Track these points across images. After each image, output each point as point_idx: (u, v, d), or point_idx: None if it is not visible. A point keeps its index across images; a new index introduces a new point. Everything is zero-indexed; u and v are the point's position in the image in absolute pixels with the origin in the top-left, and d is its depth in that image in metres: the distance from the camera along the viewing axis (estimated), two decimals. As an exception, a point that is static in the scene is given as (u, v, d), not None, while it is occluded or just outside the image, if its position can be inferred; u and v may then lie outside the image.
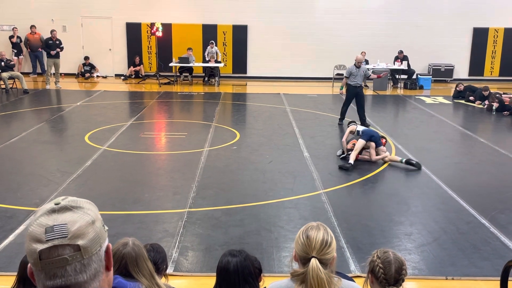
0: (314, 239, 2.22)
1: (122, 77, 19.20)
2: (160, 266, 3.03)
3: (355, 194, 7.61)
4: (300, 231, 2.30)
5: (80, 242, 1.18)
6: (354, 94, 11.69)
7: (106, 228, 1.28)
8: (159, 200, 7.04)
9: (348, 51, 18.71)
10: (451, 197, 7.29)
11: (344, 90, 11.98)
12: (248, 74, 19.74)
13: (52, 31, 17.01)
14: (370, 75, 12.20)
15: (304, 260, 2.22)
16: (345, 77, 11.82)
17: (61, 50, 16.82)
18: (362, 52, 18.06)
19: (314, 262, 2.17)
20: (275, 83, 18.79)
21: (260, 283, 3.25)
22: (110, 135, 10.46)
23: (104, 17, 19.24)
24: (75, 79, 19.03)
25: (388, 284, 2.58)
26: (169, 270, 4.88)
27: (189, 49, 18.27)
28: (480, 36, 19.51)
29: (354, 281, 2.69)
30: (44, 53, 17.56)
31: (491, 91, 14.90)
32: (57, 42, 16.80)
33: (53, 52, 16.46)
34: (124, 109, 14.14)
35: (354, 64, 11.66)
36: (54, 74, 16.69)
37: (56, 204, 1.21)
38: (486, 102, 14.30)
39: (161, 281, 2.88)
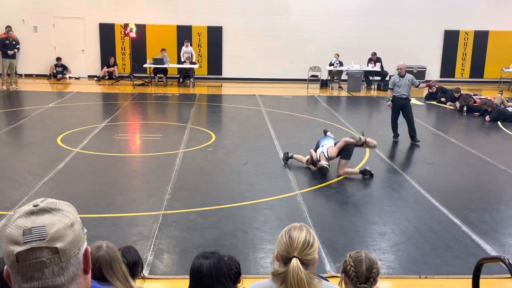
0: (296, 239, 2.23)
1: (96, 78, 18.96)
2: (134, 269, 3.00)
3: (330, 194, 7.66)
4: (283, 231, 2.30)
5: (58, 245, 1.16)
6: (399, 107, 10.49)
7: (85, 230, 1.27)
8: (134, 203, 6.97)
9: (323, 53, 18.88)
10: (423, 197, 7.40)
11: (390, 102, 10.75)
12: (223, 76, 19.71)
13: (8, 31, 16.73)
14: (419, 84, 10.71)
15: (285, 260, 2.23)
16: (390, 88, 10.65)
17: (18, 51, 16.63)
18: (335, 54, 18.25)
19: (295, 262, 2.17)
20: (250, 84, 18.81)
21: (239, 284, 3.24)
22: (83, 137, 10.31)
23: (76, 18, 18.97)
24: (47, 80, 18.71)
25: (359, 282, 2.61)
26: (145, 273, 4.84)
27: (163, 50, 18.14)
28: (451, 38, 19.89)
29: (328, 281, 2.71)
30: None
31: (462, 92, 15.21)
32: (14, 42, 16.53)
33: (10, 52, 16.24)
34: (97, 110, 13.96)
35: (398, 73, 10.55)
36: (9, 75, 16.43)
37: (34, 206, 1.19)
38: (457, 103, 14.57)
39: (136, 284, 2.85)
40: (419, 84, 10.62)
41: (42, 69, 19.13)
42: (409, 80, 10.40)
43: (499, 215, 6.86)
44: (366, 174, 8.12)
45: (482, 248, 5.78)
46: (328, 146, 8.34)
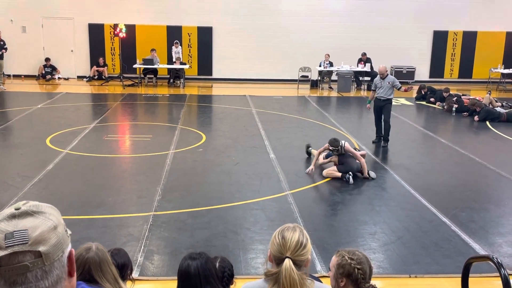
0: (289, 240, 2.23)
1: (86, 79, 18.86)
2: (124, 271, 2.98)
3: (320, 195, 7.68)
4: (276, 232, 2.30)
5: (41, 249, 1.14)
6: (377, 108, 10.48)
7: (69, 232, 1.25)
8: (124, 204, 6.94)
9: (313, 53, 18.92)
10: (413, 197, 7.44)
11: (370, 104, 10.70)
12: (214, 76, 19.69)
13: None
14: (400, 86, 10.38)
15: (278, 260, 2.23)
16: (372, 90, 10.66)
17: (6, 51, 16.50)
18: (325, 55, 18.30)
19: (287, 262, 2.17)
20: (241, 85, 18.80)
21: (232, 286, 3.23)
22: (73, 138, 10.24)
23: (65, 18, 18.85)
24: (35, 81, 18.57)
25: (365, 281, 2.58)
26: (135, 275, 4.81)
27: (153, 50, 18.06)
28: (440, 38, 20.02)
29: (322, 282, 2.70)
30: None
31: (451, 93, 15.31)
32: (2, 42, 16.42)
33: None
34: (87, 111, 13.88)
35: (379, 76, 10.42)
36: None
37: (16, 209, 1.17)
38: (445, 104, 14.66)
39: (126, 286, 2.84)
40: (400, 87, 10.44)
41: (30, 70, 18.98)
42: (389, 82, 10.27)
43: (488, 214, 6.91)
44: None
45: (471, 247, 5.82)
46: (348, 143, 8.58)
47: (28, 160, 8.92)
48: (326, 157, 8.77)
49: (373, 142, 10.57)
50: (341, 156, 8.35)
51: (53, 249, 1.16)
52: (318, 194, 7.70)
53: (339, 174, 8.18)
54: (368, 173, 8.23)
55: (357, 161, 8.33)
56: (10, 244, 1.13)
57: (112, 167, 8.81)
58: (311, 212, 6.81)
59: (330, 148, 8.37)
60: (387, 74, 10.42)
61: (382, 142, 10.37)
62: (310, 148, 9.36)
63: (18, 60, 18.78)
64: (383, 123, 10.42)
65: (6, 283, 1.14)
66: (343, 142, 8.44)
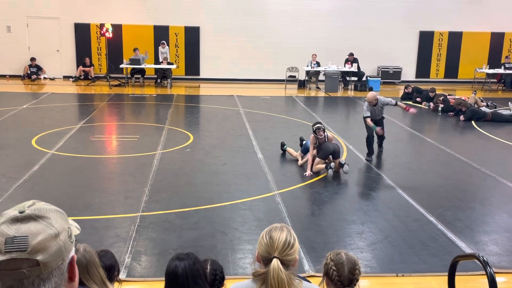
0: (277, 240, 2.23)
1: (72, 79, 18.71)
2: (111, 273, 2.96)
3: (308, 194, 7.70)
4: (264, 232, 2.30)
5: (39, 257, 1.12)
6: (373, 122, 9.73)
7: (76, 232, 1.23)
8: (110, 205, 6.89)
9: (300, 53, 18.95)
10: (400, 196, 7.49)
11: (377, 129, 9.62)
12: (201, 76, 19.65)
13: None
14: (396, 102, 9.94)
15: (266, 260, 2.23)
16: (367, 116, 9.70)
17: None
18: (313, 55, 18.34)
19: (275, 262, 2.18)
20: (228, 85, 18.78)
21: None
22: (59, 139, 10.16)
23: (51, 17, 18.68)
24: (21, 81, 18.38)
25: (343, 285, 2.58)
26: (122, 276, 4.79)
27: (135, 49, 17.86)
28: (426, 39, 20.18)
29: (310, 282, 2.71)
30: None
31: (437, 92, 15.44)
32: None
33: None
34: (73, 111, 13.77)
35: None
36: None
37: (20, 212, 1.15)
38: (431, 103, 14.78)
39: (114, 287, 2.82)
40: (396, 103, 9.97)
41: (16, 70, 18.78)
42: (381, 107, 9.75)
43: (474, 213, 6.98)
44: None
45: (457, 245, 5.88)
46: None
47: (13, 161, 8.83)
48: (303, 151, 9.00)
49: (367, 160, 9.62)
50: (318, 147, 8.57)
51: (51, 258, 1.14)
52: (306, 193, 7.72)
53: (323, 166, 8.42)
54: (343, 165, 8.32)
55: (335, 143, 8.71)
56: (8, 250, 1.11)
57: (98, 168, 8.75)
58: (299, 212, 6.83)
59: (318, 125, 8.56)
60: (377, 101, 9.71)
61: (378, 147, 9.95)
62: (285, 146, 9.57)
63: (3, 60, 18.58)
64: (376, 137, 9.81)
65: (3, 286, 1.13)
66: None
